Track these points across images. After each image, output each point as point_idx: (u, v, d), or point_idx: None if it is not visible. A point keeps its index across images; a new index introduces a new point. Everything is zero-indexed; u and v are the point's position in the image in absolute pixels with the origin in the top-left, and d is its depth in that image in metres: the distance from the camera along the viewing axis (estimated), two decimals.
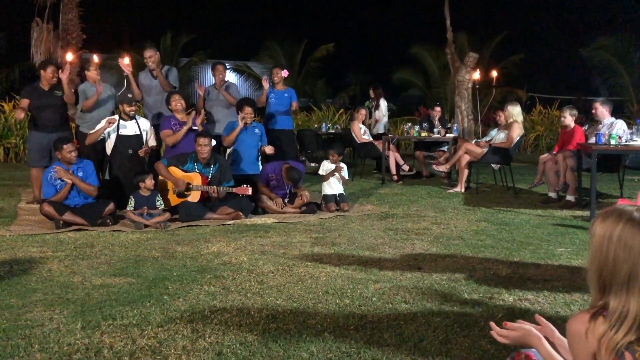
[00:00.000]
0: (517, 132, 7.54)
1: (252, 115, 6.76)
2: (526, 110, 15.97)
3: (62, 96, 6.66)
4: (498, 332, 1.72)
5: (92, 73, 6.80)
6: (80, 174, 5.64)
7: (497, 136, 7.77)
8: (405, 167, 9.20)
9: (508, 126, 7.65)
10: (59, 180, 5.52)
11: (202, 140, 5.92)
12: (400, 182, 8.73)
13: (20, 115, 6.59)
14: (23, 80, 15.86)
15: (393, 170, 8.97)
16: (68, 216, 5.34)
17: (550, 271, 3.90)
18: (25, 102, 6.59)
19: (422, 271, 3.91)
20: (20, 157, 11.62)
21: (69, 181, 5.49)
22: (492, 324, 1.76)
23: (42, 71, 6.65)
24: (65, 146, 5.58)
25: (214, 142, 6.19)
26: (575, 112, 7.16)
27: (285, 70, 7.90)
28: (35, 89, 6.63)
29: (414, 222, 5.66)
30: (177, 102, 6.49)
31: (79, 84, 7.26)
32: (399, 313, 3.08)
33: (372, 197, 7.29)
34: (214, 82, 7.46)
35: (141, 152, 6.27)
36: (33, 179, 6.67)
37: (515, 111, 7.65)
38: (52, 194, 5.48)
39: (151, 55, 7.06)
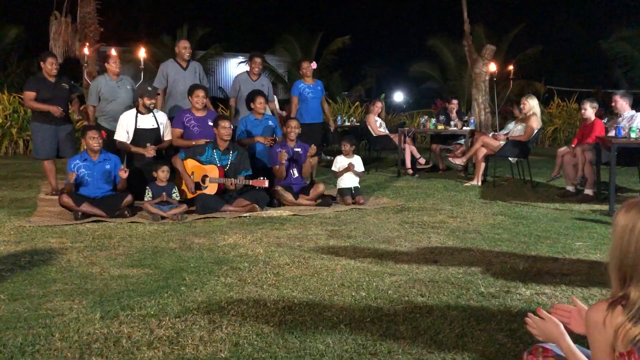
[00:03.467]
0: (535, 124, 7.47)
1: (265, 107, 6.77)
2: (544, 103, 15.79)
3: (68, 89, 6.67)
4: (530, 323, 1.72)
5: (111, 66, 6.79)
6: (108, 166, 5.70)
7: (515, 129, 7.70)
8: (422, 160, 9.16)
9: (526, 119, 7.58)
10: (83, 170, 5.59)
11: (224, 123, 5.95)
12: (417, 176, 8.69)
13: (45, 108, 6.54)
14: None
15: (408, 163, 8.93)
16: (86, 207, 5.40)
17: (568, 265, 3.86)
18: (31, 95, 6.52)
19: (438, 264, 3.90)
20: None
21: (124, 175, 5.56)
22: (531, 314, 1.75)
23: (42, 63, 6.57)
24: (88, 132, 5.64)
25: (231, 127, 6.21)
26: (596, 104, 7.06)
27: (314, 64, 8.00)
28: (41, 81, 6.59)
29: (430, 215, 5.64)
30: (200, 99, 6.45)
31: (99, 76, 7.26)
32: (415, 306, 3.07)
33: (387, 190, 7.27)
34: (248, 72, 7.38)
35: (149, 153, 6.14)
36: (47, 171, 6.69)
37: (533, 103, 7.58)
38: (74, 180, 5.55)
39: (187, 46, 7.09)
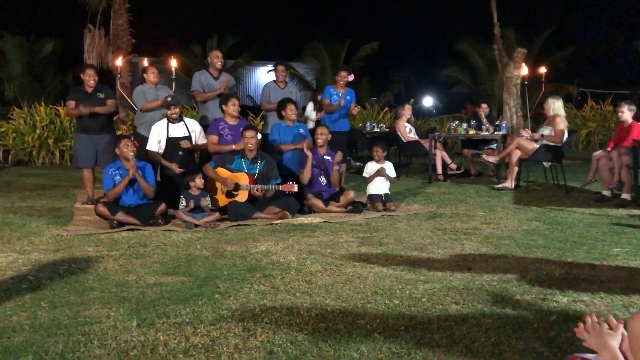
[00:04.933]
0: (562, 125, 7.36)
1: (297, 114, 6.81)
2: (577, 106, 15.48)
3: (104, 99, 6.83)
4: (581, 328, 1.68)
5: (149, 76, 7.00)
6: (141, 173, 5.78)
7: (542, 131, 7.61)
8: (453, 166, 9.07)
9: (550, 121, 7.49)
10: (118, 177, 5.70)
11: (249, 133, 6.03)
12: (448, 181, 8.62)
13: (77, 112, 6.70)
14: (77, 86, 16.48)
15: (439, 169, 8.87)
16: (121, 216, 5.49)
17: (607, 272, 3.78)
18: (71, 104, 6.77)
19: (473, 272, 3.86)
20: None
21: (132, 173, 5.61)
22: (588, 317, 1.72)
23: (81, 75, 6.82)
24: (122, 140, 5.75)
25: (259, 136, 6.29)
26: (633, 107, 6.90)
27: (352, 76, 7.96)
28: (79, 91, 6.81)
29: (463, 221, 5.59)
30: (236, 107, 6.53)
31: (138, 86, 7.41)
32: (449, 314, 3.04)
33: (419, 197, 7.24)
34: (275, 81, 7.47)
35: (184, 144, 6.34)
36: (86, 180, 6.85)
37: (555, 105, 7.49)
38: (110, 186, 5.66)
39: (220, 56, 7.23)
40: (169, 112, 6.46)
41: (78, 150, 6.89)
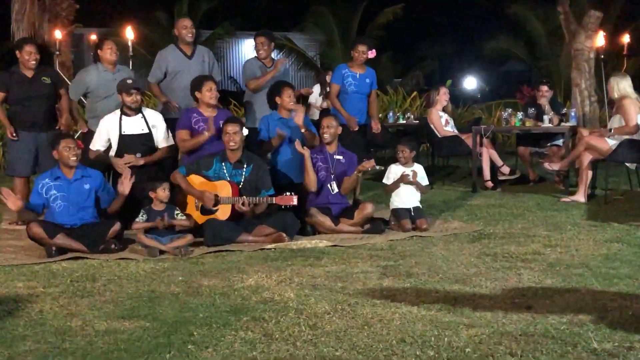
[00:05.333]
0: (632, 110, 7.37)
1: (294, 101, 6.83)
2: None
3: (51, 84, 6.86)
4: None
5: (105, 53, 6.96)
6: (87, 185, 5.81)
7: (612, 122, 7.61)
8: (505, 169, 9.06)
9: (618, 106, 7.52)
10: (54, 192, 5.70)
11: (231, 127, 6.03)
12: (499, 190, 8.62)
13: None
14: (3, 65, 16.55)
15: (487, 173, 8.85)
16: (62, 240, 5.50)
17: None
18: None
19: (533, 311, 3.85)
20: (0, 164, 12.07)
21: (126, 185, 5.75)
22: None
23: (17, 52, 6.81)
24: (62, 140, 5.75)
25: (245, 132, 6.27)
26: None
27: (373, 51, 7.89)
28: (14, 75, 6.82)
29: (520, 244, 5.58)
30: (213, 93, 6.55)
31: (89, 66, 7.42)
32: None
33: (460, 211, 7.23)
34: (257, 58, 7.53)
35: (127, 160, 6.30)
36: (18, 193, 6.84)
37: (620, 85, 7.52)
38: (37, 207, 5.68)
39: (189, 26, 7.26)
40: (128, 98, 6.45)
41: (12, 154, 6.90)
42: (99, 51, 7.06)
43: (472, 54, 26.13)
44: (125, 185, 5.87)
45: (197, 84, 6.63)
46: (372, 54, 7.84)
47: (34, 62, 6.75)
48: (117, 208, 5.90)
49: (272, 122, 6.75)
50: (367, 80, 7.83)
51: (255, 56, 7.59)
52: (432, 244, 5.70)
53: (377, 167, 11.03)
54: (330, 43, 18.66)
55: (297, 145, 6.36)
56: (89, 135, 6.89)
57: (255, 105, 7.42)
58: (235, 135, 6.03)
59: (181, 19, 7.58)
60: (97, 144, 6.54)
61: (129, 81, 6.50)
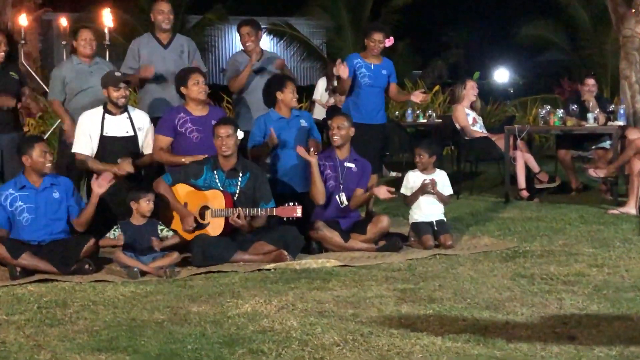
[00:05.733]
0: None
1: (296, 98, 6.83)
2: None
3: (19, 80, 6.89)
4: None
5: (79, 44, 7.02)
6: (56, 194, 5.81)
7: None
8: (543, 176, 9.05)
9: None
10: (20, 203, 5.70)
11: (224, 130, 6.01)
12: (536, 200, 8.61)
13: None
14: None
15: (522, 180, 8.84)
16: (28, 259, 5.50)
17: None
18: None
19: (577, 342, 3.84)
20: None
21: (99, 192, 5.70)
22: None
23: None
24: (37, 145, 5.75)
25: (241, 135, 6.28)
26: None
27: (391, 39, 7.87)
28: None
29: (560, 263, 5.58)
30: (202, 88, 6.54)
31: (60, 64, 7.49)
32: None
33: (490, 225, 7.23)
34: (244, 51, 7.58)
35: (121, 169, 6.25)
36: None
37: None
38: (3, 224, 5.70)
39: (166, 11, 7.30)
40: (115, 94, 6.44)
41: None
42: (73, 42, 7.14)
43: (503, 42, 26.03)
44: (101, 186, 5.81)
45: (181, 77, 6.65)
46: (389, 42, 7.81)
47: (2, 55, 6.78)
48: (86, 219, 5.84)
49: (271, 123, 6.75)
50: (384, 72, 7.79)
51: (242, 49, 7.62)
52: (458, 264, 5.69)
53: (394, 174, 11.11)
54: (338, 30, 18.65)
55: (301, 151, 6.35)
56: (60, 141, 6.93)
57: (248, 104, 7.43)
58: (229, 138, 6.01)
59: (157, 1, 7.58)
60: (84, 147, 6.47)
61: (117, 74, 6.54)
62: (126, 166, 6.27)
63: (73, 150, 6.54)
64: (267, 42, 18.15)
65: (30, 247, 5.61)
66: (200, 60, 7.62)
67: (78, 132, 6.56)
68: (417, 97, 8.04)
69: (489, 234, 6.80)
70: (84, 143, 6.48)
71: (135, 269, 5.47)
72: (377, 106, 7.77)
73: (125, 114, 6.57)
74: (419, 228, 6.40)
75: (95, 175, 5.93)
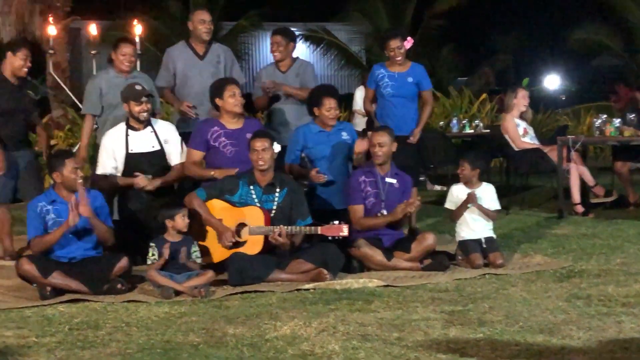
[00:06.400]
0: None
1: (338, 112, 6.85)
2: None
3: (33, 99, 6.99)
4: None
5: (118, 58, 7.04)
6: None
7: None
8: (599, 190, 8.97)
9: None
10: (53, 216, 5.77)
11: (260, 143, 6.04)
12: (591, 215, 8.53)
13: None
14: None
15: (577, 195, 8.77)
16: (58, 278, 5.57)
17: None
18: None
19: None
20: None
21: (74, 218, 5.64)
22: None
23: (9, 54, 6.91)
24: (68, 161, 5.81)
25: (278, 148, 6.27)
26: None
27: (409, 39, 7.83)
28: None
29: (619, 284, 5.52)
30: (235, 99, 6.53)
31: (96, 75, 7.57)
32: None
33: (543, 242, 7.18)
34: (274, 62, 7.64)
35: (139, 183, 6.38)
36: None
37: None
38: (40, 232, 5.76)
39: (207, 20, 7.35)
40: (137, 108, 6.51)
41: None
42: (112, 53, 7.16)
43: (553, 47, 25.90)
44: (85, 210, 5.72)
45: (217, 88, 6.66)
46: (408, 43, 7.72)
47: (25, 70, 6.88)
48: (101, 237, 5.87)
49: (310, 136, 6.78)
50: (410, 80, 7.67)
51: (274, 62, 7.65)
52: (509, 284, 5.65)
53: (438, 188, 11.07)
54: (378, 35, 18.65)
55: (315, 176, 6.50)
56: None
57: (283, 114, 7.46)
58: (265, 152, 6.04)
59: (198, 10, 7.64)
60: (106, 166, 6.60)
61: (138, 87, 6.56)
62: (143, 181, 6.38)
63: (97, 171, 6.63)
64: (304, 49, 18.21)
65: (61, 265, 5.68)
66: (239, 71, 7.68)
67: (101, 152, 6.66)
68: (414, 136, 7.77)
69: (542, 252, 6.75)
70: (107, 163, 6.59)
71: (170, 289, 5.52)
72: (406, 116, 7.67)
73: (149, 128, 6.64)
74: (467, 246, 6.38)
75: (72, 206, 5.71)
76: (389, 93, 7.62)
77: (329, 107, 6.72)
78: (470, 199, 6.38)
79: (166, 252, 5.66)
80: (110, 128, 6.85)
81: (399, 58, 7.63)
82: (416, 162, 7.93)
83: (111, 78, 7.09)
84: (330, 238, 5.98)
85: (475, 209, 6.42)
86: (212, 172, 6.45)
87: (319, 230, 5.97)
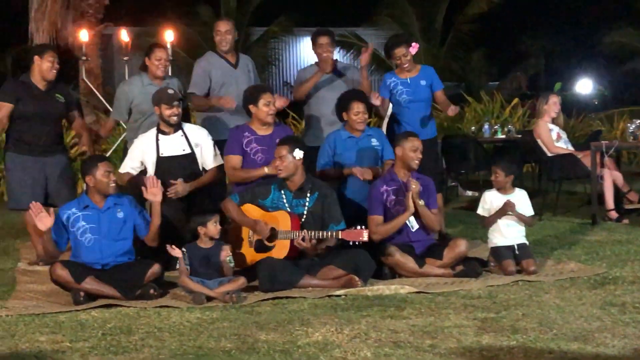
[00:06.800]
0: None
1: (367, 117, 6.84)
2: None
3: (64, 103, 7.03)
4: None
5: (153, 63, 7.11)
6: (121, 214, 5.95)
7: None
8: (633, 196, 8.89)
9: None
10: (83, 224, 5.84)
11: (279, 151, 6.07)
12: (625, 221, 8.47)
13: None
14: (18, 72, 17.09)
15: (610, 201, 8.70)
16: (91, 284, 5.63)
17: None
18: (6, 109, 6.87)
19: None
20: None
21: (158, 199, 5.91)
22: None
23: (37, 58, 6.89)
24: (101, 164, 5.88)
25: (299, 154, 6.12)
26: None
27: (414, 45, 7.79)
28: (24, 86, 6.95)
29: None
30: (269, 108, 6.59)
31: (128, 82, 7.64)
32: None
33: (576, 249, 7.14)
34: (317, 64, 7.63)
35: (174, 192, 6.46)
36: (30, 228, 6.90)
37: None
38: (60, 244, 5.87)
39: (228, 30, 7.36)
40: (168, 112, 6.56)
41: (15, 182, 7.02)
42: (146, 59, 7.20)
43: (586, 51, 25.71)
44: (155, 194, 5.96)
45: (252, 95, 6.68)
46: (414, 48, 7.67)
47: (53, 72, 6.90)
48: (155, 233, 6.01)
49: (340, 142, 6.79)
50: (423, 83, 7.64)
51: (316, 62, 7.65)
52: (542, 291, 5.62)
53: (469, 194, 11.02)
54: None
55: (356, 170, 6.53)
56: None
57: (318, 118, 7.48)
58: (282, 160, 6.03)
59: (220, 21, 7.68)
60: (127, 166, 6.71)
61: (170, 91, 6.62)
62: (178, 188, 6.47)
63: (119, 170, 6.70)
64: (334, 54, 18.21)
65: (94, 271, 5.74)
66: (258, 78, 7.77)
67: (129, 152, 6.76)
68: (452, 111, 7.78)
69: (575, 258, 6.70)
70: (129, 164, 6.72)
71: (201, 295, 5.54)
72: (423, 120, 7.67)
73: (180, 132, 6.69)
74: (499, 252, 6.35)
75: (143, 188, 6.05)
76: (405, 100, 7.60)
77: (357, 111, 6.73)
78: (508, 208, 6.35)
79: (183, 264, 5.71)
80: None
81: (407, 65, 7.60)
82: (438, 166, 7.93)
83: (145, 86, 7.14)
84: (351, 243, 5.98)
85: (513, 215, 6.38)
86: (266, 169, 6.48)
87: (340, 234, 5.97)
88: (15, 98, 6.92)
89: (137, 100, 7.15)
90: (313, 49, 7.59)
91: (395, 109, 7.73)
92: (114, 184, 5.89)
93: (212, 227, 5.83)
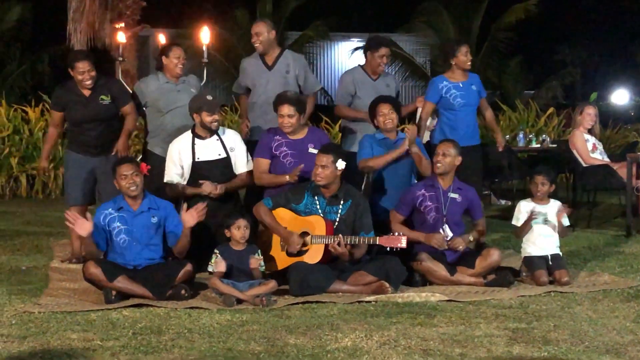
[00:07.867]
0: None
1: (395, 116, 6.82)
2: None
3: (111, 103, 7.10)
4: None
5: (171, 62, 7.12)
6: (155, 219, 5.98)
7: None
8: None
9: None
10: (117, 224, 5.90)
11: (321, 159, 6.05)
12: None
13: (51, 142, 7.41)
14: (56, 74, 17.22)
15: None
16: (123, 283, 5.66)
17: None
18: (57, 116, 7.21)
19: None
20: (51, 189, 12.48)
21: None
22: None
23: (70, 71, 7.00)
24: (118, 168, 5.92)
25: (342, 165, 6.13)
26: None
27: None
28: (70, 93, 7.08)
29: None
30: (285, 119, 6.56)
31: (144, 80, 7.67)
32: None
33: (610, 261, 7.09)
34: (363, 66, 7.65)
35: (206, 189, 6.46)
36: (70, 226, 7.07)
37: None
38: (100, 243, 5.91)
39: (260, 32, 7.33)
40: (209, 118, 6.56)
41: (68, 180, 7.23)
42: (163, 58, 7.21)
43: (622, 61, 25.52)
44: (192, 216, 5.94)
45: (275, 104, 6.69)
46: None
47: (89, 81, 6.94)
48: (182, 250, 6.01)
49: (376, 143, 6.78)
50: (474, 88, 7.72)
51: (360, 65, 7.65)
52: (575, 303, 5.59)
53: (503, 202, 10.96)
54: (441, 45, 18.60)
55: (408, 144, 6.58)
56: (148, 160, 7.07)
57: (357, 131, 7.44)
58: (325, 169, 6.02)
59: (256, 23, 7.63)
60: (172, 174, 6.69)
61: (209, 97, 6.63)
62: (209, 187, 6.43)
63: (165, 180, 6.72)
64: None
65: (125, 270, 5.78)
66: (313, 79, 7.75)
67: (167, 160, 6.74)
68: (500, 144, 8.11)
69: (609, 270, 6.66)
70: (173, 171, 6.69)
71: (232, 297, 5.56)
72: (473, 127, 7.75)
73: (215, 136, 6.70)
74: (532, 262, 6.31)
75: (185, 207, 6.01)
76: (459, 103, 7.59)
77: (383, 113, 6.73)
78: (545, 217, 6.33)
79: (221, 265, 5.70)
80: (167, 134, 7.03)
81: (468, 64, 7.70)
82: (481, 172, 7.90)
83: (161, 85, 7.16)
84: (388, 249, 5.98)
85: (548, 225, 6.36)
86: (288, 177, 6.48)
87: (378, 240, 5.97)
88: (62, 106, 7.16)
89: (152, 98, 7.17)
90: (369, 55, 7.57)
91: (445, 114, 7.71)
92: (134, 187, 5.89)
93: (235, 232, 5.85)
